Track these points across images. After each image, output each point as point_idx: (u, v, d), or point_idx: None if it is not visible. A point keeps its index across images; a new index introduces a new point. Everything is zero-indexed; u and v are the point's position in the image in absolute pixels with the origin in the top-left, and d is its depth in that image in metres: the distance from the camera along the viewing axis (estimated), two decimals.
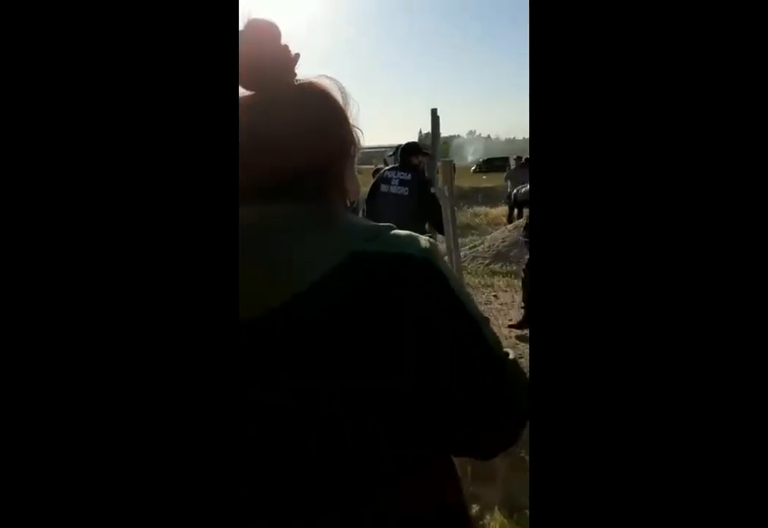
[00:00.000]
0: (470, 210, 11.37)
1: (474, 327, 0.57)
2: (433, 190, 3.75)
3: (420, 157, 3.75)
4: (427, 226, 3.78)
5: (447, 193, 3.44)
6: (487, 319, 0.60)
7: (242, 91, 0.62)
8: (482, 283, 4.69)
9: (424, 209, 3.54)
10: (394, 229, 0.60)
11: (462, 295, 0.57)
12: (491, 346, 0.57)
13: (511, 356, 0.60)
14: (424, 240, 0.59)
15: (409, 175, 3.60)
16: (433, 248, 0.59)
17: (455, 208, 4.46)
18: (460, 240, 4.40)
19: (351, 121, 0.65)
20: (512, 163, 10.86)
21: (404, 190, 3.55)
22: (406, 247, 0.57)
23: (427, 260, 0.56)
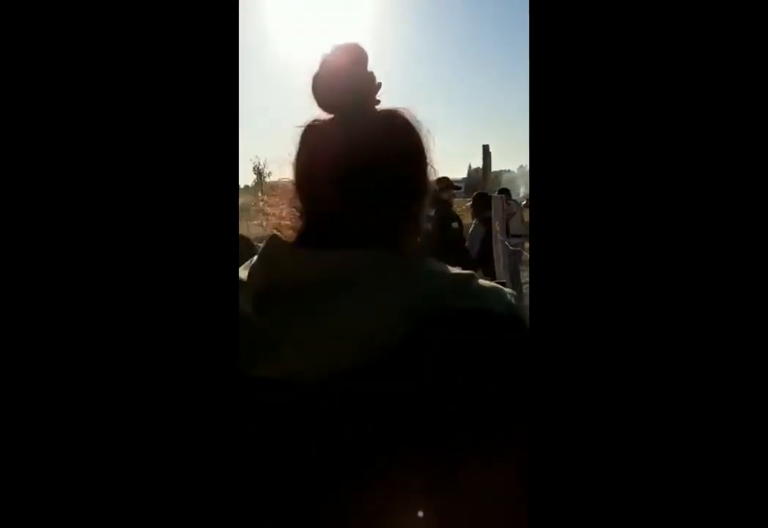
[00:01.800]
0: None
1: None
2: None
3: None
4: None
5: (498, 228, 3.25)
6: None
7: (321, 114, 0.59)
8: None
9: None
10: (477, 278, 0.57)
11: None
12: None
13: None
14: (508, 294, 0.57)
15: None
16: (517, 303, 0.56)
17: (518, 247, 4.17)
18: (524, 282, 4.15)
19: (429, 155, 0.61)
20: None
21: None
22: (494, 303, 0.53)
23: (516, 318, 0.53)
